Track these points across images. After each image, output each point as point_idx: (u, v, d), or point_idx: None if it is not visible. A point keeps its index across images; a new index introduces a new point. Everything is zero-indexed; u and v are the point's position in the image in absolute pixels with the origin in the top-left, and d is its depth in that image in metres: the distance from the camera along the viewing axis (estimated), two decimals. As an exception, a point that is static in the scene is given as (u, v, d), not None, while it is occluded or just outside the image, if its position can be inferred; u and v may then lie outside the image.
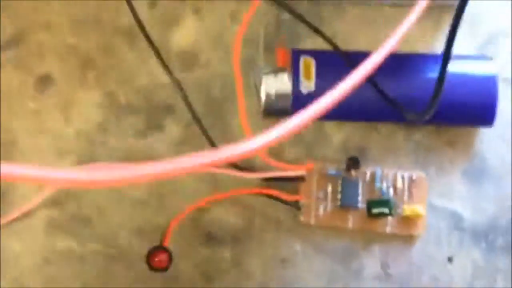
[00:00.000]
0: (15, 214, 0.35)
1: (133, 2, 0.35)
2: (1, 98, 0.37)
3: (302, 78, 0.35)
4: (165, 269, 0.34)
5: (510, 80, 0.37)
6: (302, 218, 0.35)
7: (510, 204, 0.36)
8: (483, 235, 0.36)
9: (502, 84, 0.36)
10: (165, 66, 0.36)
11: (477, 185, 0.36)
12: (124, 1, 0.35)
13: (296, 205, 0.35)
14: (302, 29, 0.35)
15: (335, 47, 0.34)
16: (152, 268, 0.34)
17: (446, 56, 0.29)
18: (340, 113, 0.34)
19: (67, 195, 0.36)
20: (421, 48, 0.37)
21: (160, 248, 0.34)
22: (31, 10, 0.38)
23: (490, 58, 0.36)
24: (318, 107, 0.20)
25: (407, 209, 0.35)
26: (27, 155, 0.37)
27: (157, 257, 0.34)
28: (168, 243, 0.35)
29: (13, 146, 0.36)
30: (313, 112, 0.20)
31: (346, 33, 0.38)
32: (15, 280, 0.36)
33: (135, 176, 0.18)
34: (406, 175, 0.35)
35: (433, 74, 0.33)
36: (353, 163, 0.35)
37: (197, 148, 0.35)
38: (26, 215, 0.36)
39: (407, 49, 0.36)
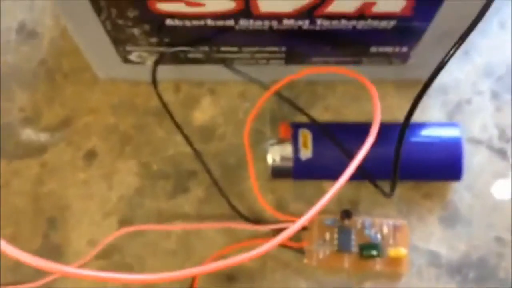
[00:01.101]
0: (74, 266, 0.38)
1: (160, 87, 0.39)
2: (56, 170, 0.41)
3: (300, 147, 0.39)
4: None
5: (475, 139, 0.41)
6: (306, 261, 0.38)
7: (478, 243, 0.39)
8: (457, 270, 0.39)
9: (468, 143, 0.41)
10: (188, 140, 0.40)
11: (451, 228, 0.39)
12: (153, 88, 0.39)
13: (300, 250, 0.39)
14: (301, 104, 0.39)
15: (314, 121, 0.38)
16: None
17: (403, 127, 0.32)
18: (328, 174, 0.37)
19: (113, 248, 0.39)
20: (399, 117, 0.38)
21: None
22: (78, 97, 0.42)
23: (457, 124, 0.40)
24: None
25: (392, 251, 0.38)
26: (78, 217, 0.40)
27: None
28: (196, 286, 0.38)
29: (67, 210, 0.40)
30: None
31: (337, 106, 0.42)
32: None
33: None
34: (390, 223, 0.39)
35: (407, 140, 0.38)
36: (347, 214, 0.39)
37: (217, 205, 0.40)
38: (82, 266, 0.39)
39: (388, 117, 0.40)
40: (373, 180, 0.37)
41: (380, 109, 0.32)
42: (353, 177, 0.38)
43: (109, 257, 0.40)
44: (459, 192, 0.40)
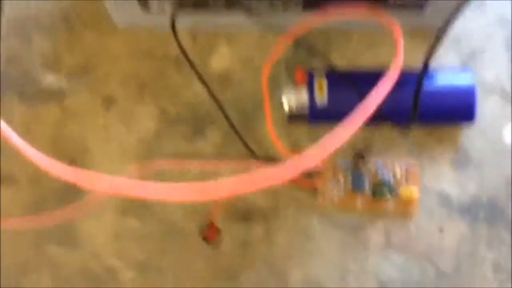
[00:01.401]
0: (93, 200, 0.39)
1: (179, 36, 0.39)
2: (76, 115, 0.42)
3: (316, 94, 0.39)
4: (213, 243, 0.39)
5: (488, 86, 0.42)
6: (319, 201, 0.40)
7: (489, 185, 0.40)
8: (468, 210, 0.40)
9: (481, 90, 0.41)
10: (206, 86, 0.40)
11: (462, 170, 0.40)
12: (172, 35, 0.39)
13: (314, 191, 0.40)
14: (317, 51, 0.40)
15: (330, 65, 0.39)
16: (206, 241, 0.39)
17: (422, 75, 0.33)
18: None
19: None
20: (415, 65, 0.38)
21: (212, 225, 0.39)
22: (97, 45, 0.43)
23: (470, 69, 0.41)
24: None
25: (404, 190, 0.39)
26: (98, 160, 0.41)
27: (210, 232, 0.39)
28: (217, 222, 0.39)
29: (87, 153, 0.41)
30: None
31: (352, 54, 0.42)
32: (92, 253, 0.40)
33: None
34: (402, 164, 0.40)
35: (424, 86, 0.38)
36: (360, 156, 0.40)
37: (234, 150, 0.41)
38: (100, 202, 0.39)
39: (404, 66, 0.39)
40: (389, 121, 0.37)
41: (402, 48, 0.32)
42: (370, 120, 0.40)
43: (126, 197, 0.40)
44: (470, 137, 0.41)
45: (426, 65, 0.33)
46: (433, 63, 0.40)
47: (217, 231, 0.40)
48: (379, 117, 0.36)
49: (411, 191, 0.39)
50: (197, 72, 0.40)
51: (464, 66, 0.42)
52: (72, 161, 0.41)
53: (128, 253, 0.40)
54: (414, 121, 0.36)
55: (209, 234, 0.39)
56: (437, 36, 0.32)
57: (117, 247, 0.40)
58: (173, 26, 0.39)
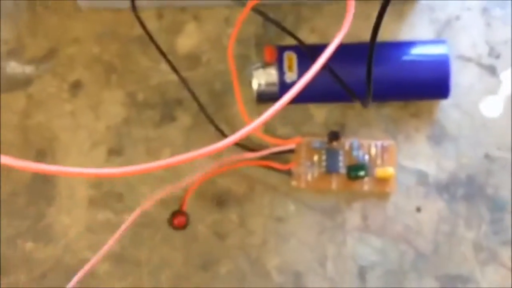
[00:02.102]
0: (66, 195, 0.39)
1: (143, 15, 0.38)
2: (43, 103, 0.41)
3: (286, 70, 0.38)
4: (183, 228, 0.39)
5: (464, 57, 0.40)
6: (293, 183, 0.39)
7: (467, 161, 0.39)
8: (446, 188, 0.39)
9: (457, 61, 0.40)
10: (173, 67, 0.39)
11: (439, 147, 0.39)
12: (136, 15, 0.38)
13: (288, 173, 0.39)
14: (287, 27, 0.38)
15: (299, 42, 0.37)
16: (173, 227, 0.39)
17: (371, 44, 0.31)
18: (311, 96, 0.38)
19: (103, 178, 0.39)
20: (387, 37, 0.39)
21: (179, 212, 0.39)
22: (61, 28, 0.41)
23: (444, 41, 0.39)
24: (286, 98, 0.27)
25: (380, 171, 0.39)
26: (67, 148, 0.40)
27: (177, 219, 0.39)
28: (185, 209, 0.39)
29: (55, 141, 0.40)
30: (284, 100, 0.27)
31: (323, 27, 0.41)
32: (66, 246, 0.40)
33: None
34: (378, 143, 0.39)
35: (394, 59, 0.38)
36: (334, 136, 0.39)
37: (204, 132, 0.40)
38: (71, 196, 0.40)
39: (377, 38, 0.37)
40: (353, 95, 0.36)
41: (351, 18, 0.31)
42: (337, 97, 0.39)
43: (99, 188, 0.40)
44: (447, 110, 0.40)
45: (374, 34, 0.31)
46: (406, 34, 0.40)
47: (184, 216, 0.39)
48: (340, 95, 0.37)
49: (387, 171, 0.39)
50: (162, 53, 0.40)
51: (439, 36, 0.41)
52: (41, 150, 0.41)
53: (102, 246, 0.39)
54: (369, 94, 0.34)
55: (176, 220, 0.39)
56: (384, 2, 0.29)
57: (90, 240, 0.40)
58: (133, 6, 0.38)
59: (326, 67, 0.31)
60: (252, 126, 0.27)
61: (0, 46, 0.42)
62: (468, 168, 0.40)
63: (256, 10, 0.37)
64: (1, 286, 0.40)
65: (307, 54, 0.38)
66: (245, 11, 0.37)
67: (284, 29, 0.37)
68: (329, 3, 0.41)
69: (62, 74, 0.41)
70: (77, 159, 0.41)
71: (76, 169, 0.25)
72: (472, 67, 0.41)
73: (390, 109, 0.40)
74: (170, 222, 0.39)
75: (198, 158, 0.25)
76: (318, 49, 0.38)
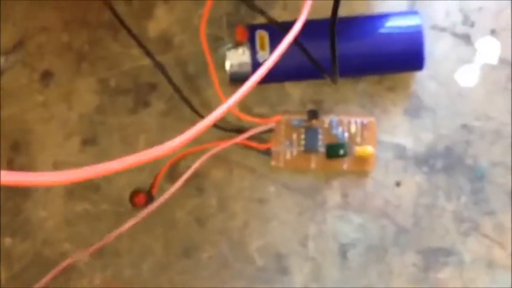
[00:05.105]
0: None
1: (112, 0, 0.38)
2: (14, 94, 0.40)
3: (258, 49, 0.38)
4: (143, 206, 0.39)
5: (438, 26, 0.40)
6: (273, 163, 0.39)
7: (445, 132, 0.39)
8: (424, 161, 0.39)
9: (431, 31, 0.39)
10: (147, 51, 0.39)
11: (416, 119, 0.39)
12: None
13: (267, 152, 0.39)
14: (258, 5, 0.37)
15: (271, 20, 0.37)
16: (133, 206, 0.39)
17: (332, 18, 0.31)
18: (284, 74, 0.38)
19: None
20: (359, 10, 0.39)
21: (138, 191, 0.39)
22: (28, 17, 0.41)
23: (416, 12, 0.39)
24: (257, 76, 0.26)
25: (359, 150, 0.38)
26: (41, 140, 0.40)
27: (136, 198, 0.39)
28: (155, 192, 0.39)
29: (29, 133, 0.40)
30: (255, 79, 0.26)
31: (295, 4, 0.40)
32: (44, 240, 0.40)
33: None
34: (358, 120, 0.39)
35: (367, 33, 0.38)
36: (313, 113, 0.39)
37: (180, 117, 0.39)
38: (47, 189, 0.39)
39: (348, 12, 0.38)
40: (322, 70, 0.36)
41: None
42: (311, 74, 0.38)
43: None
44: (422, 82, 0.40)
45: (335, 7, 0.31)
46: (378, 6, 0.39)
47: (145, 196, 0.39)
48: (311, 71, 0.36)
49: (366, 149, 0.38)
50: (134, 37, 0.39)
51: (412, 7, 0.40)
52: (15, 142, 0.40)
53: (80, 237, 0.39)
54: (335, 69, 0.34)
55: (136, 199, 0.39)
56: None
57: (69, 232, 0.40)
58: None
59: (295, 42, 0.31)
60: (228, 104, 0.26)
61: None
62: (446, 139, 0.39)
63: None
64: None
65: (279, 31, 0.37)
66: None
67: (255, 8, 0.37)
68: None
69: (32, 64, 0.41)
70: (52, 150, 0.40)
71: (51, 175, 0.24)
72: (446, 36, 0.40)
73: (366, 84, 0.40)
74: (131, 201, 0.39)
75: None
76: (290, 26, 0.38)
